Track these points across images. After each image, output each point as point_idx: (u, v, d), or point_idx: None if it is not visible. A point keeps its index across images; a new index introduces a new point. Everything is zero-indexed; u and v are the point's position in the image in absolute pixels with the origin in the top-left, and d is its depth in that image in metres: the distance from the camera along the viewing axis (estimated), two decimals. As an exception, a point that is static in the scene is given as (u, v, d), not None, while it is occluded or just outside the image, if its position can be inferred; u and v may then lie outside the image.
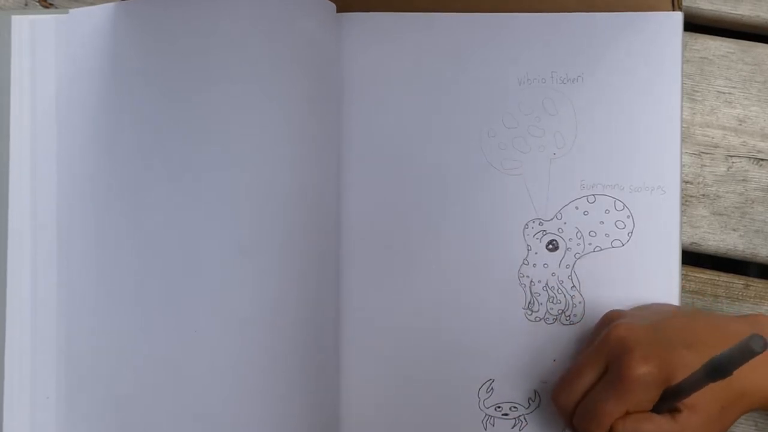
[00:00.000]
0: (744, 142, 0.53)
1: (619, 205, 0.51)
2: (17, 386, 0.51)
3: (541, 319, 0.51)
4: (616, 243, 0.51)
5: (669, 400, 0.42)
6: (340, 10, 0.53)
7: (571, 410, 0.45)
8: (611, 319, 0.47)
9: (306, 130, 0.50)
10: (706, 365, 0.37)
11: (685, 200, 0.53)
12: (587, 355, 0.45)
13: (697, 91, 0.54)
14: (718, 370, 0.36)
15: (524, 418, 0.51)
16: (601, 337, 0.45)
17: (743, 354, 0.34)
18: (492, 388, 0.51)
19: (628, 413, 0.43)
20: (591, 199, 0.51)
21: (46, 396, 0.51)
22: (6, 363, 0.51)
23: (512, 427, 0.51)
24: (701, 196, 0.53)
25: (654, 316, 0.46)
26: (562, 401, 0.46)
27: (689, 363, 0.41)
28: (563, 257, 0.51)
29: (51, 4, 0.57)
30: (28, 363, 0.51)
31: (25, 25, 0.53)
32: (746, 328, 0.45)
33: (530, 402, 0.51)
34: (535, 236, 0.51)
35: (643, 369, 0.42)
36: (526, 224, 0.51)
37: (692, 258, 0.54)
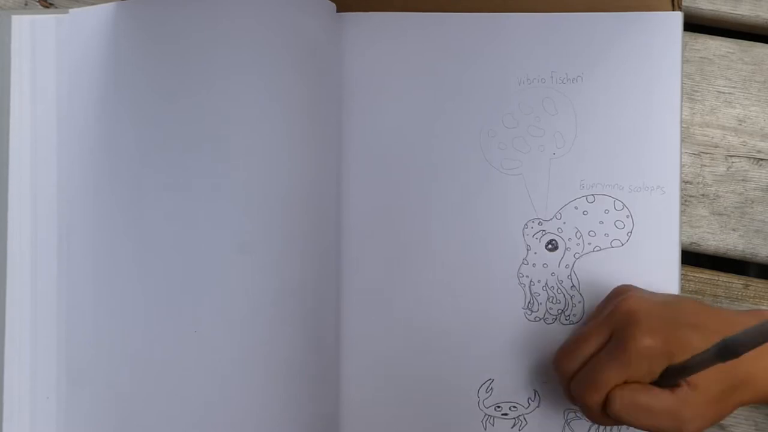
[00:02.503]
0: (744, 141, 0.53)
1: (619, 205, 0.51)
2: (17, 386, 0.51)
3: (540, 319, 0.51)
4: (616, 243, 0.51)
5: (672, 377, 0.42)
6: (340, 9, 0.53)
7: (570, 376, 0.45)
8: (621, 292, 0.47)
9: (306, 129, 0.50)
10: (719, 344, 0.37)
11: (685, 200, 0.53)
12: (593, 324, 0.46)
13: (697, 91, 0.54)
14: (730, 349, 0.36)
15: (524, 418, 0.51)
16: (609, 308, 0.45)
17: (759, 335, 0.34)
18: (491, 388, 0.51)
19: (626, 383, 0.43)
20: (590, 198, 0.51)
21: (46, 396, 0.51)
22: (6, 363, 0.51)
23: (512, 427, 0.51)
24: (701, 196, 0.53)
25: (664, 296, 0.47)
26: (564, 367, 0.46)
27: (694, 344, 0.41)
28: (563, 257, 0.51)
29: (51, 4, 0.57)
30: (28, 363, 0.51)
31: (25, 25, 0.53)
32: (753, 321, 0.45)
33: (530, 401, 0.51)
34: (535, 236, 0.51)
35: (647, 341, 0.42)
36: (526, 224, 0.51)
37: (692, 258, 0.54)
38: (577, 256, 0.51)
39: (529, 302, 0.51)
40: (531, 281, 0.51)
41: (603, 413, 0.44)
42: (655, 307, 0.44)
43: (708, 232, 0.53)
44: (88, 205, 0.51)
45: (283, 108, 0.49)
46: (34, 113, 0.52)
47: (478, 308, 0.51)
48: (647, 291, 0.48)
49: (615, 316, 0.44)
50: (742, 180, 0.53)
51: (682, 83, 0.51)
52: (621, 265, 0.51)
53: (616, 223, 0.51)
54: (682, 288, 0.51)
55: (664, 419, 0.42)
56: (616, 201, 0.51)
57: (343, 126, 0.53)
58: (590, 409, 0.44)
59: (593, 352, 0.45)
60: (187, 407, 0.49)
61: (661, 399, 0.42)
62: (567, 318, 0.51)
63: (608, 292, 0.50)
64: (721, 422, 0.51)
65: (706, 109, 0.54)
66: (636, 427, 0.43)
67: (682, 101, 0.51)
